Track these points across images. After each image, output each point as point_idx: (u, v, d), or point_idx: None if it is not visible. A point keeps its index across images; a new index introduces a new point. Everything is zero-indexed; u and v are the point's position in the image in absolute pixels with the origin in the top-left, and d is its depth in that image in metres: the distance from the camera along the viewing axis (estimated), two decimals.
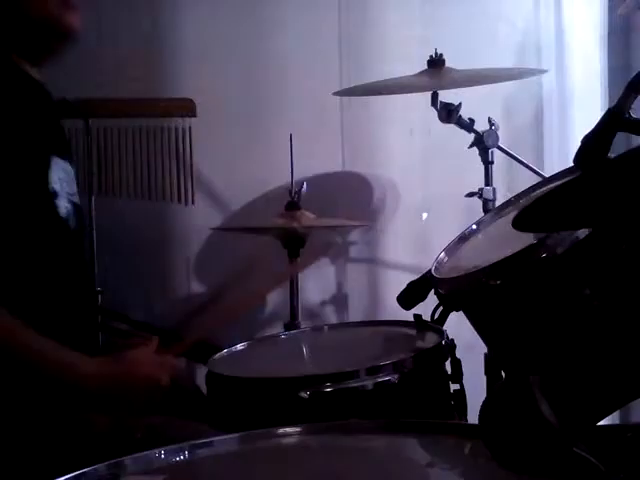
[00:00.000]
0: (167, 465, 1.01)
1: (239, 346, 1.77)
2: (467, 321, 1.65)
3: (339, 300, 2.83)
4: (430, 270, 1.69)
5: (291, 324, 2.35)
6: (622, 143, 1.57)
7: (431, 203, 2.83)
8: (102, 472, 0.95)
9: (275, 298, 2.77)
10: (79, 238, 1.39)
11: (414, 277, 1.81)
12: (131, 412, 1.28)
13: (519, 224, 1.10)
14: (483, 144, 2.26)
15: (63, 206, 1.33)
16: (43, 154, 1.31)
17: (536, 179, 2.18)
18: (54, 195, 1.31)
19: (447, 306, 1.70)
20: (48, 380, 1.20)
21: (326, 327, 2.03)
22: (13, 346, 1.17)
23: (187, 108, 2.43)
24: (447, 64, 2.29)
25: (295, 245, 2.35)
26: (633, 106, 1.42)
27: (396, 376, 1.43)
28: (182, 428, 1.31)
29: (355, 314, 2.80)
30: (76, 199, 1.39)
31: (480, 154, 2.29)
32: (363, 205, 2.84)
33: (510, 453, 0.73)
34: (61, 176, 1.34)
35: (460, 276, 1.58)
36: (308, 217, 2.29)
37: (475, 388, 1.72)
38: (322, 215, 2.36)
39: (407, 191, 2.84)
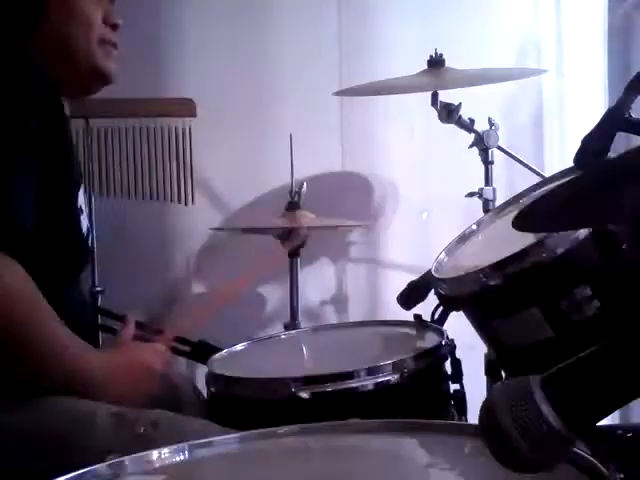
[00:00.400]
0: (167, 465, 1.00)
1: (239, 346, 1.77)
2: (467, 321, 1.65)
3: (339, 300, 2.83)
4: (430, 270, 1.69)
5: (291, 324, 2.35)
6: (622, 143, 1.57)
7: (431, 203, 2.83)
8: (102, 472, 0.95)
9: (275, 298, 2.78)
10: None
11: (414, 277, 1.81)
12: (133, 402, 1.31)
13: (519, 224, 1.10)
14: (483, 144, 2.26)
15: (84, 223, 1.44)
16: (75, 175, 1.44)
17: (536, 179, 2.18)
18: (81, 212, 1.42)
19: (447, 306, 1.70)
20: (51, 367, 1.22)
21: (326, 327, 2.03)
22: (31, 319, 1.18)
23: (187, 108, 2.43)
24: (447, 64, 2.29)
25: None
26: (633, 106, 1.42)
27: (396, 376, 1.43)
28: (184, 423, 1.32)
29: (355, 314, 2.80)
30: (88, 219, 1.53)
31: (480, 154, 2.30)
32: (363, 205, 2.84)
33: (510, 453, 0.73)
34: (82, 198, 1.45)
35: (460, 276, 1.58)
36: (308, 217, 2.29)
37: (475, 388, 1.72)
38: (322, 215, 2.36)
39: (407, 191, 2.84)
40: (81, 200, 1.43)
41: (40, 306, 1.20)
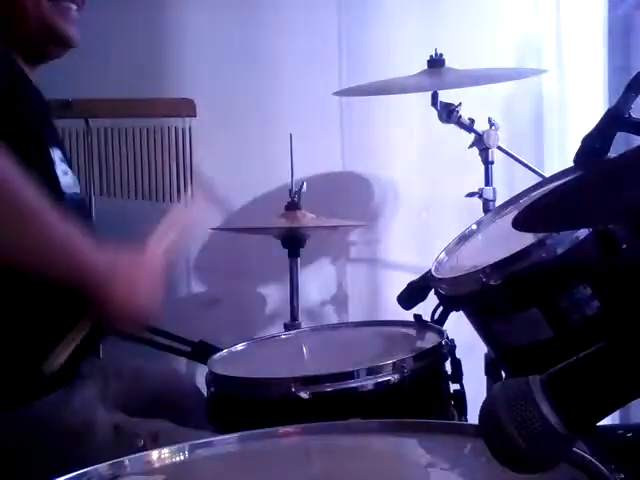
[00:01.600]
0: (167, 465, 1.01)
1: (239, 346, 1.77)
2: (467, 321, 1.65)
3: (339, 300, 2.83)
4: (430, 270, 1.69)
5: (291, 324, 2.35)
6: (622, 143, 1.57)
7: (431, 203, 2.83)
8: (102, 472, 0.95)
9: (275, 298, 2.78)
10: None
11: (414, 277, 1.81)
12: (137, 315, 1.20)
13: (519, 224, 1.10)
14: (483, 144, 2.26)
15: (62, 177, 1.33)
16: (45, 151, 1.31)
17: (536, 179, 2.18)
18: (52, 164, 1.31)
19: (447, 306, 1.70)
20: (48, 258, 1.10)
21: (326, 327, 2.03)
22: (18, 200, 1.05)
23: (187, 108, 2.43)
24: (447, 64, 2.29)
25: (295, 245, 2.35)
26: (633, 106, 1.42)
27: (396, 376, 1.43)
28: (185, 435, 1.31)
29: (355, 314, 2.80)
30: (76, 190, 1.38)
31: (480, 154, 2.29)
32: (363, 205, 2.84)
33: (510, 453, 0.73)
34: (67, 181, 1.34)
35: (460, 276, 1.58)
36: (308, 217, 2.29)
37: (475, 388, 1.72)
38: (322, 215, 2.36)
39: (407, 191, 2.84)
40: (60, 162, 1.31)
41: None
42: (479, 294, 1.50)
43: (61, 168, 1.34)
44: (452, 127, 2.27)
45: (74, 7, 1.35)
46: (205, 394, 1.60)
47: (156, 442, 1.25)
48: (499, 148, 2.30)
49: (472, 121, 2.27)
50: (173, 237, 1.34)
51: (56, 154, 1.34)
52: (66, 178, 1.37)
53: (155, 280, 1.23)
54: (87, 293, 1.13)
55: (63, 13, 1.33)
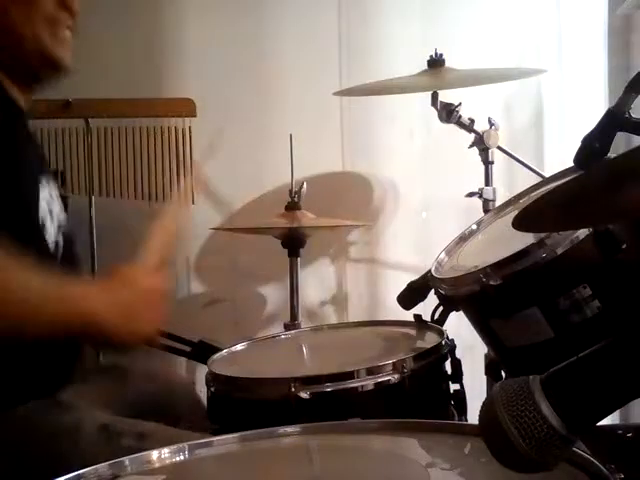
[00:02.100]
0: (167, 465, 1.01)
1: (239, 346, 1.77)
2: (467, 321, 1.65)
3: (339, 300, 2.83)
4: (430, 270, 1.69)
5: (291, 324, 2.35)
6: (622, 143, 1.57)
7: (431, 203, 2.83)
8: (102, 472, 0.95)
9: (275, 298, 2.78)
10: (65, 270, 1.34)
11: (414, 277, 1.81)
12: (144, 335, 1.21)
13: (519, 224, 1.10)
14: (483, 144, 2.26)
15: (52, 238, 1.32)
16: (32, 186, 1.30)
17: (536, 179, 2.18)
18: (42, 227, 1.30)
19: (447, 306, 1.70)
20: (49, 324, 1.10)
21: (326, 327, 2.03)
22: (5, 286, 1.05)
23: (187, 108, 2.43)
24: (447, 64, 2.29)
25: (295, 245, 2.35)
26: (633, 106, 1.42)
27: (396, 376, 1.43)
28: (173, 435, 1.30)
29: (355, 314, 2.80)
30: (66, 229, 1.37)
31: (480, 154, 2.29)
32: (363, 205, 2.84)
33: (510, 453, 0.73)
34: (53, 209, 1.33)
35: (460, 276, 1.58)
36: (308, 217, 2.29)
37: (475, 388, 1.72)
38: (322, 215, 2.36)
39: (407, 191, 2.84)
40: (46, 212, 1.30)
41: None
42: (479, 294, 1.50)
43: (49, 215, 1.32)
44: (452, 127, 2.27)
45: (69, 34, 1.34)
46: (201, 394, 1.60)
47: (143, 441, 1.24)
48: (499, 148, 2.30)
49: (472, 121, 2.27)
50: (167, 242, 1.35)
51: (45, 190, 1.32)
52: (56, 212, 1.35)
53: (156, 294, 1.23)
54: (93, 335, 1.16)
55: (60, 40, 1.32)
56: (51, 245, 1.33)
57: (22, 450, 1.22)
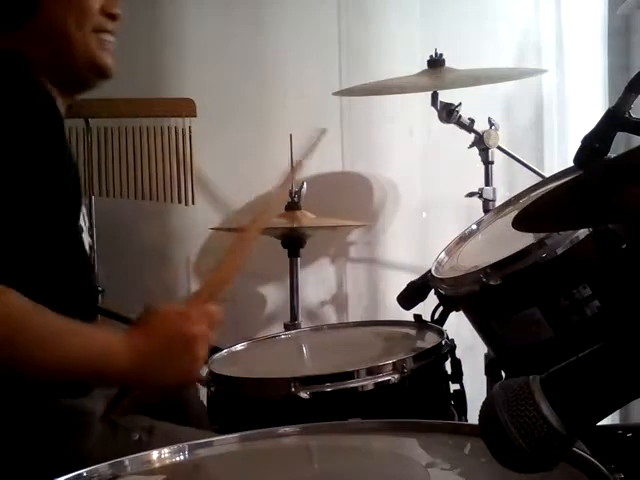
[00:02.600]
0: (167, 465, 1.01)
1: (239, 346, 1.77)
2: (467, 321, 1.65)
3: (339, 300, 2.83)
4: (430, 270, 1.69)
5: (291, 324, 2.35)
6: (622, 143, 1.57)
7: (431, 203, 2.83)
8: (102, 472, 0.95)
9: (275, 298, 2.78)
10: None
11: (414, 277, 1.82)
12: (176, 383, 1.21)
13: (519, 224, 1.10)
14: (483, 144, 2.26)
15: (86, 241, 1.37)
16: (77, 196, 1.33)
17: (536, 179, 2.18)
18: (81, 230, 1.35)
19: (447, 306, 1.70)
20: (74, 373, 1.11)
21: (326, 327, 2.03)
22: (29, 334, 1.05)
23: (187, 108, 2.43)
24: (447, 64, 2.29)
25: (295, 245, 2.35)
26: (633, 106, 1.42)
27: (396, 376, 1.43)
28: (179, 430, 1.31)
29: (355, 314, 2.80)
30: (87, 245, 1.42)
31: (480, 154, 2.30)
32: (363, 205, 2.84)
33: (510, 453, 0.73)
34: (83, 211, 1.38)
35: (460, 276, 1.58)
36: (308, 217, 2.29)
37: (475, 388, 1.72)
38: (322, 215, 2.36)
39: (407, 191, 2.84)
40: (82, 217, 1.36)
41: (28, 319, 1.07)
42: (479, 294, 1.50)
43: (82, 217, 1.37)
44: (452, 127, 2.27)
45: (113, 39, 1.40)
46: (204, 396, 1.60)
47: (151, 436, 1.25)
48: (499, 148, 2.30)
49: (472, 121, 2.27)
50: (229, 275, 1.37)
51: (82, 217, 1.36)
52: (85, 228, 1.41)
53: (195, 337, 1.16)
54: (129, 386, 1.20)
55: (105, 45, 1.37)
56: (86, 246, 1.37)
57: (30, 446, 1.23)
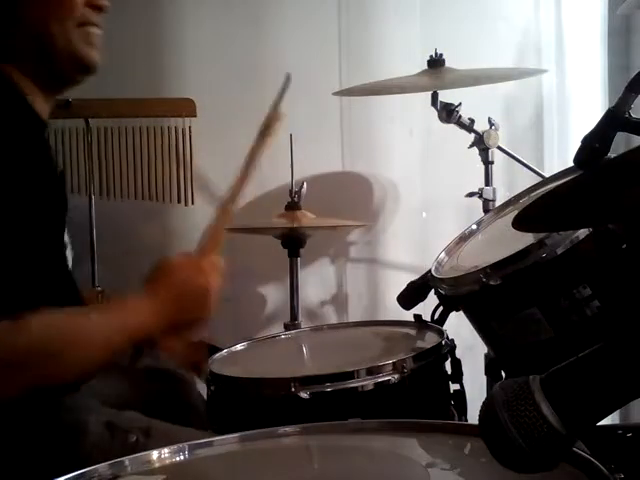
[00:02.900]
0: (167, 465, 1.01)
1: (239, 346, 1.77)
2: (467, 321, 1.65)
3: (339, 300, 2.83)
4: (430, 270, 1.69)
5: (291, 324, 2.35)
6: (622, 143, 1.57)
7: (431, 203, 2.83)
8: (102, 472, 0.95)
9: (275, 298, 2.78)
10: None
11: (414, 277, 1.81)
12: (196, 327, 1.29)
13: (519, 224, 1.10)
14: (483, 144, 2.26)
15: (70, 256, 1.38)
16: (63, 207, 1.34)
17: (536, 179, 2.18)
18: (65, 247, 1.35)
19: (447, 306, 1.70)
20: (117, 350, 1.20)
21: (326, 327, 2.03)
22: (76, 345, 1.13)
23: (187, 108, 2.43)
24: (447, 64, 2.29)
25: (295, 245, 2.35)
26: (633, 106, 1.42)
27: (396, 376, 1.43)
28: (177, 431, 1.31)
29: (355, 314, 2.80)
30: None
31: (480, 154, 2.30)
32: (363, 205, 2.84)
33: (510, 453, 0.73)
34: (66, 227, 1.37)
35: (460, 276, 1.58)
36: (308, 217, 2.29)
37: (475, 388, 1.72)
38: (322, 215, 2.36)
39: (407, 191, 2.84)
40: (66, 234, 1.36)
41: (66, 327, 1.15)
42: (479, 294, 1.50)
43: (66, 232, 1.37)
44: (452, 127, 2.27)
45: (98, 32, 1.33)
46: (205, 394, 1.60)
47: (149, 438, 1.25)
48: (499, 148, 2.30)
49: (472, 121, 2.27)
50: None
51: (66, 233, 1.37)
52: (68, 251, 1.41)
53: (204, 282, 1.30)
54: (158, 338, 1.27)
55: (90, 39, 1.31)
56: (70, 262, 1.39)
57: (29, 448, 1.22)
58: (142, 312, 1.23)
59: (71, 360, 1.13)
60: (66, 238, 1.36)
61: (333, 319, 2.80)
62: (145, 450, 1.03)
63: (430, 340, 1.64)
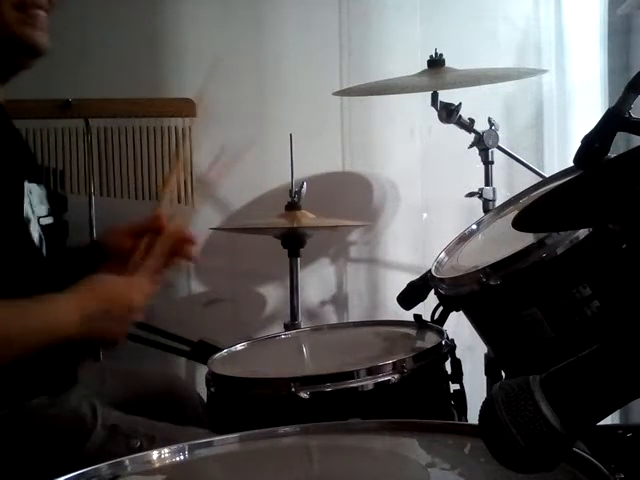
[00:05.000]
0: (167, 465, 1.01)
1: (239, 346, 1.77)
2: (467, 321, 1.65)
3: (339, 300, 2.83)
4: (430, 270, 1.69)
5: (291, 324, 2.35)
6: (622, 143, 1.57)
7: (431, 203, 2.83)
8: (102, 472, 0.95)
9: (275, 298, 2.78)
10: (51, 263, 1.39)
11: (414, 277, 1.81)
12: (115, 337, 1.30)
13: (519, 224, 1.10)
14: (483, 144, 2.26)
15: (35, 232, 1.34)
16: (16, 182, 1.31)
17: (536, 179, 2.18)
18: (27, 222, 1.31)
19: (447, 306, 1.70)
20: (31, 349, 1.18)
21: (326, 327, 2.03)
22: None
23: (187, 108, 2.42)
24: (447, 64, 2.29)
25: (295, 245, 2.35)
26: (633, 106, 1.42)
27: (396, 376, 1.43)
28: (182, 437, 1.30)
29: (355, 314, 2.80)
30: (48, 220, 1.39)
31: (480, 154, 2.29)
32: (363, 205, 2.84)
33: (510, 453, 0.73)
34: (33, 201, 1.34)
35: (460, 276, 1.58)
36: (308, 217, 2.29)
37: (475, 388, 1.72)
38: (322, 215, 2.36)
39: (407, 191, 2.84)
40: (28, 207, 1.32)
41: None
42: (479, 294, 1.50)
43: (31, 208, 1.34)
44: (452, 127, 2.27)
45: (42, 13, 1.28)
46: (204, 396, 1.60)
47: (153, 444, 1.24)
48: (499, 148, 2.30)
49: (472, 121, 2.27)
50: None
51: (27, 191, 1.34)
52: (40, 209, 1.37)
53: (128, 305, 1.29)
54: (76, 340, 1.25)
55: (31, 21, 1.26)
56: (36, 240, 1.34)
57: (30, 449, 1.23)
58: (65, 310, 1.22)
59: None
60: (30, 213, 1.33)
61: (333, 319, 2.80)
62: None
63: (430, 340, 1.64)
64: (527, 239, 1.45)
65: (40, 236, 1.35)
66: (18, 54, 1.28)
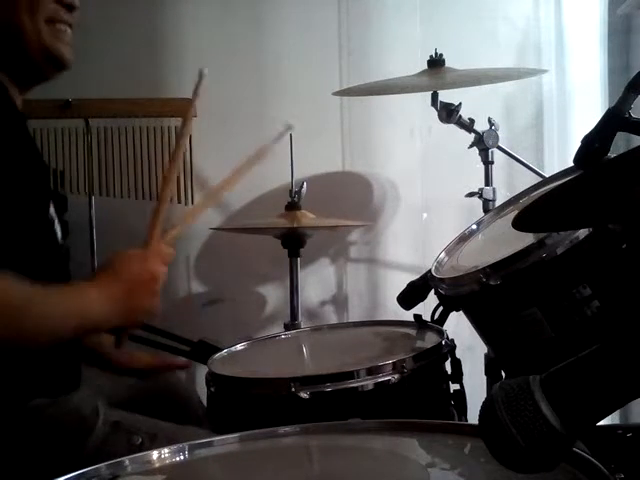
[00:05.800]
0: (167, 465, 1.01)
1: (239, 346, 1.77)
2: (467, 321, 1.65)
3: (339, 300, 2.83)
4: (430, 270, 1.69)
5: (291, 324, 2.35)
6: (622, 143, 1.57)
7: (431, 203, 2.83)
8: (102, 472, 0.95)
9: (275, 298, 2.78)
10: (67, 255, 1.44)
11: (414, 277, 1.81)
12: (138, 320, 1.31)
13: (519, 224, 1.10)
14: (483, 144, 2.26)
15: (58, 231, 1.38)
16: (43, 184, 1.37)
17: (536, 179, 2.18)
18: (52, 221, 1.36)
19: (447, 306, 1.70)
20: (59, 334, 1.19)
21: (326, 327, 2.03)
22: (29, 319, 1.12)
23: (187, 108, 2.42)
24: (447, 64, 2.29)
25: (295, 245, 2.35)
26: (633, 106, 1.42)
27: (396, 376, 1.43)
28: (183, 435, 1.31)
29: (355, 314, 2.80)
30: (65, 216, 1.43)
31: (480, 154, 2.30)
32: (363, 205, 2.84)
33: (510, 453, 0.73)
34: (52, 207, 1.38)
35: (460, 276, 1.58)
36: (308, 217, 2.29)
37: (475, 388, 1.72)
38: (322, 215, 2.36)
39: (407, 191, 2.84)
40: (52, 210, 1.37)
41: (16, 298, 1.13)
42: (479, 294, 1.50)
43: (53, 207, 1.38)
44: (452, 127, 2.27)
45: (69, 30, 1.36)
46: (204, 396, 1.60)
47: (154, 442, 1.25)
48: (499, 148, 2.30)
49: (472, 121, 2.27)
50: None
51: (51, 209, 1.38)
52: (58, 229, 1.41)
53: (150, 278, 1.31)
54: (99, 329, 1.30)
55: (60, 36, 1.34)
56: (59, 238, 1.38)
57: (33, 448, 1.23)
58: (93, 298, 1.23)
59: (24, 327, 1.12)
60: (53, 214, 1.37)
61: (333, 319, 2.80)
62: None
63: (430, 340, 1.64)
64: (527, 239, 1.45)
65: (62, 233, 1.40)
66: (46, 65, 1.35)
